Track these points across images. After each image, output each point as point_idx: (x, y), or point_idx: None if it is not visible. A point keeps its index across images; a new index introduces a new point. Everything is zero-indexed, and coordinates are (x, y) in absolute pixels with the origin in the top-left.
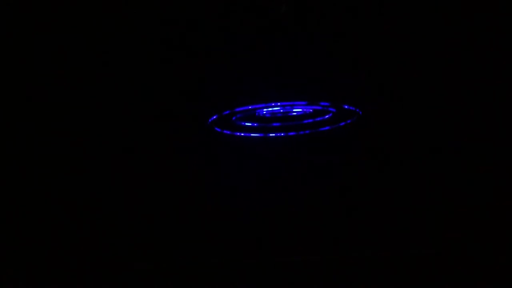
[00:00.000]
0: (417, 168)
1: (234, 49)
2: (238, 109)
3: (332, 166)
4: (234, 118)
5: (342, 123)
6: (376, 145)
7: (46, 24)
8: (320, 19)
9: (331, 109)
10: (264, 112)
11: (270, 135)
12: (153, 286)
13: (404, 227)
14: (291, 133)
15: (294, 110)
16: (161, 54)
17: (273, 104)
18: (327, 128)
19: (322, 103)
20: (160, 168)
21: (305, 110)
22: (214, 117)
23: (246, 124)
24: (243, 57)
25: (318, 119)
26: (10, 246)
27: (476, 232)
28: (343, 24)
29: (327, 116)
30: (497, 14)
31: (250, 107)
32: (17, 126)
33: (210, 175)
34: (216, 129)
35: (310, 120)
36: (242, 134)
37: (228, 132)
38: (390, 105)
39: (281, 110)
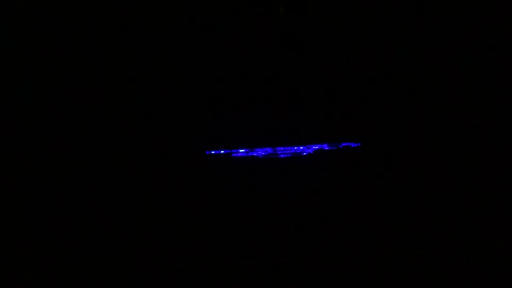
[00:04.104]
0: (417, 168)
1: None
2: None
3: (330, 168)
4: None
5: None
6: (375, 145)
7: (46, 24)
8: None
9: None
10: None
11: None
12: (153, 286)
13: (404, 227)
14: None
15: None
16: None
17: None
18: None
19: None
20: (158, 176)
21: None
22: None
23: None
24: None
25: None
26: (10, 246)
27: (476, 232)
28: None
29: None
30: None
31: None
32: (17, 126)
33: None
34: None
35: None
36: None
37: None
38: (389, 105)
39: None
